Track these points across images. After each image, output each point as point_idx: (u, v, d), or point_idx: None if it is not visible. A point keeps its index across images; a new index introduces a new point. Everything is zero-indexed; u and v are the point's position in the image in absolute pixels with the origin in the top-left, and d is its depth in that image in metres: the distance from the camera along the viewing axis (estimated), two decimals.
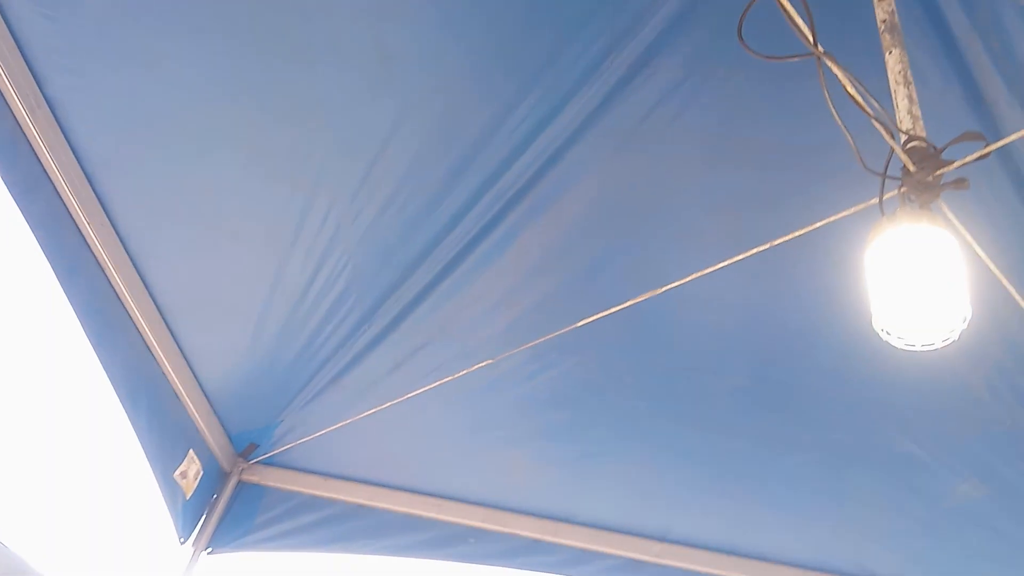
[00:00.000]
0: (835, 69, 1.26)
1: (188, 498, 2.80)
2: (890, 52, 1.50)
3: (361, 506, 3.07)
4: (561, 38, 2.22)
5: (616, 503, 3.02)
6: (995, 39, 2.04)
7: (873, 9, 1.61)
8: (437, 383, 2.64)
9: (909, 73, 1.47)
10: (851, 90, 1.27)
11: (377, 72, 2.11)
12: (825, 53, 1.24)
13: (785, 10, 1.16)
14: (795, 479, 2.72)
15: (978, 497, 2.55)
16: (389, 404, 2.71)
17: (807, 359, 2.46)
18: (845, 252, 1.80)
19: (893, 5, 1.57)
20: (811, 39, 1.21)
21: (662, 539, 2.99)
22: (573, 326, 2.37)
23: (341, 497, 3.08)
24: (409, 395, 2.66)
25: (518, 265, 2.59)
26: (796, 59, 1.29)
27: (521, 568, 3.05)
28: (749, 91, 2.19)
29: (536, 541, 3.01)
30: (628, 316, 2.59)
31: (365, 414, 2.73)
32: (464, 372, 2.57)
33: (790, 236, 1.67)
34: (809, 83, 1.49)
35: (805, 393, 2.54)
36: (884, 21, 1.54)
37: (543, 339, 2.47)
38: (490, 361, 2.57)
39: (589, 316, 2.51)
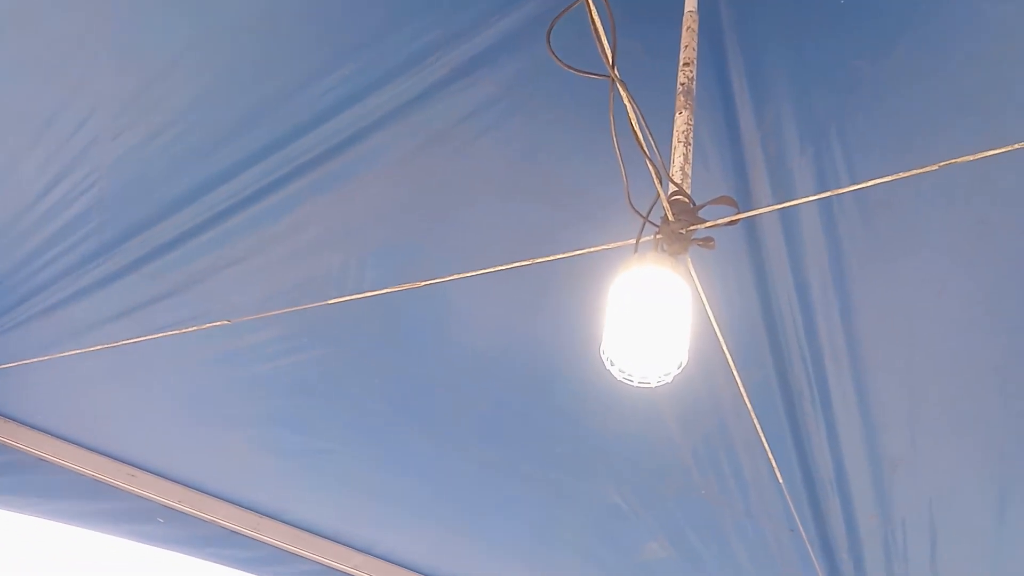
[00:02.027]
0: (625, 99, 1.31)
1: None
2: (680, 112, 1.60)
3: (41, 460, 2.69)
4: (391, 20, 2.16)
5: (329, 506, 2.89)
6: (772, 145, 2.28)
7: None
8: (158, 335, 2.40)
9: (691, 136, 1.58)
10: (635, 124, 1.32)
11: None
12: (621, 80, 1.29)
13: (594, 26, 1.19)
14: (510, 512, 2.77)
15: (663, 557, 2.73)
16: (100, 347, 2.41)
17: (546, 396, 2.52)
18: (602, 298, 1.87)
19: (694, 74, 1.69)
20: (610, 60, 1.25)
21: (366, 551, 2.90)
22: (323, 303, 2.26)
23: (19, 445, 2.68)
24: (125, 341, 2.38)
25: (291, 237, 2.44)
26: (593, 76, 1.33)
27: (209, 559, 2.81)
28: (558, 126, 2.25)
29: (232, 533, 2.79)
30: (390, 317, 2.53)
31: (69, 353, 2.41)
32: (193, 328, 2.35)
33: (547, 259, 1.70)
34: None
35: (537, 428, 2.59)
36: (683, 84, 1.65)
37: (285, 311, 2.33)
38: (226, 323, 2.38)
39: (352, 304, 2.41)
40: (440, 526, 2.91)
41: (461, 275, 1.91)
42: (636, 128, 1.30)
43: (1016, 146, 1.41)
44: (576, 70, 1.34)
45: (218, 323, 2.39)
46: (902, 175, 1.48)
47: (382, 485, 2.82)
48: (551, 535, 2.78)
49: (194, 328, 2.39)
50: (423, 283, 2.01)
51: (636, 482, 2.60)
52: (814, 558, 2.63)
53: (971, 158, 1.42)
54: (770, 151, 2.23)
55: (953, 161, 1.36)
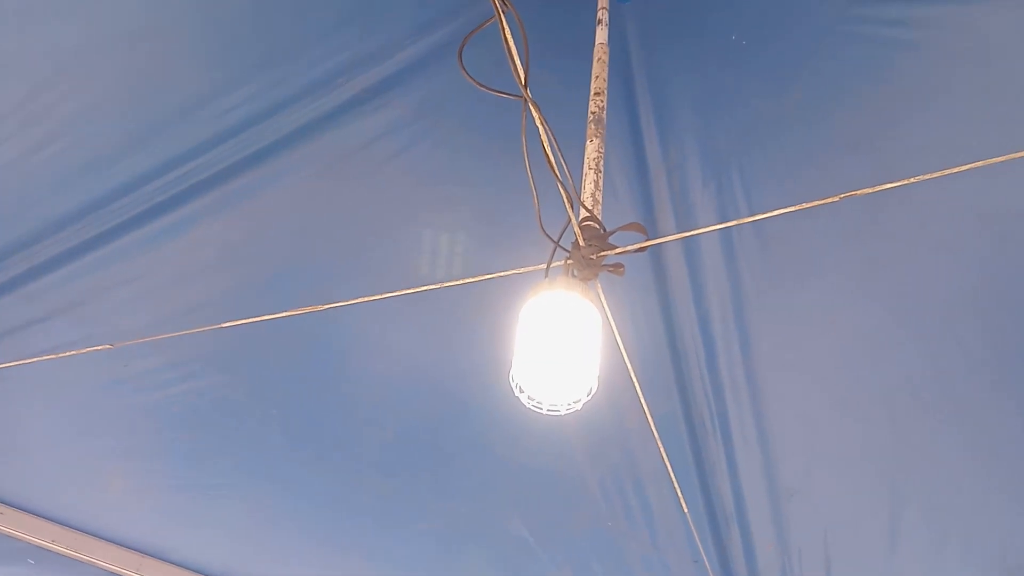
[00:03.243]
0: (537, 120, 1.30)
1: None
2: (591, 140, 1.62)
3: None
4: (300, 38, 2.11)
5: (219, 545, 2.73)
6: (677, 178, 2.34)
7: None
8: (33, 359, 2.22)
9: (602, 164, 1.59)
10: (547, 147, 1.32)
11: None
12: (533, 101, 1.28)
13: (507, 44, 1.18)
14: (411, 547, 2.68)
15: None
16: None
17: (453, 425, 2.47)
18: (513, 324, 1.85)
19: (604, 103, 1.71)
20: (523, 80, 1.24)
21: None
22: (217, 326, 2.15)
23: None
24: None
25: (184, 257, 2.32)
26: (506, 96, 1.32)
27: None
28: (469, 151, 2.24)
29: (112, 575, 2.59)
30: (290, 343, 2.43)
31: None
32: (72, 353, 2.19)
33: (455, 283, 1.67)
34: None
35: (443, 459, 2.53)
36: (593, 113, 1.67)
37: (176, 334, 2.20)
38: (109, 347, 2.23)
39: (249, 330, 2.30)
40: (337, 562, 2.78)
41: (364, 299, 1.85)
42: (548, 151, 1.30)
43: (910, 180, 1.48)
44: (488, 88, 1.32)
45: (100, 347, 2.24)
46: (800, 207, 1.53)
47: (276, 521, 2.68)
48: (457, 569, 2.69)
49: (73, 352, 2.23)
50: (324, 306, 1.94)
51: (543, 514, 2.57)
52: None
53: (869, 191, 1.48)
54: (674, 184, 2.28)
55: (853, 193, 1.41)
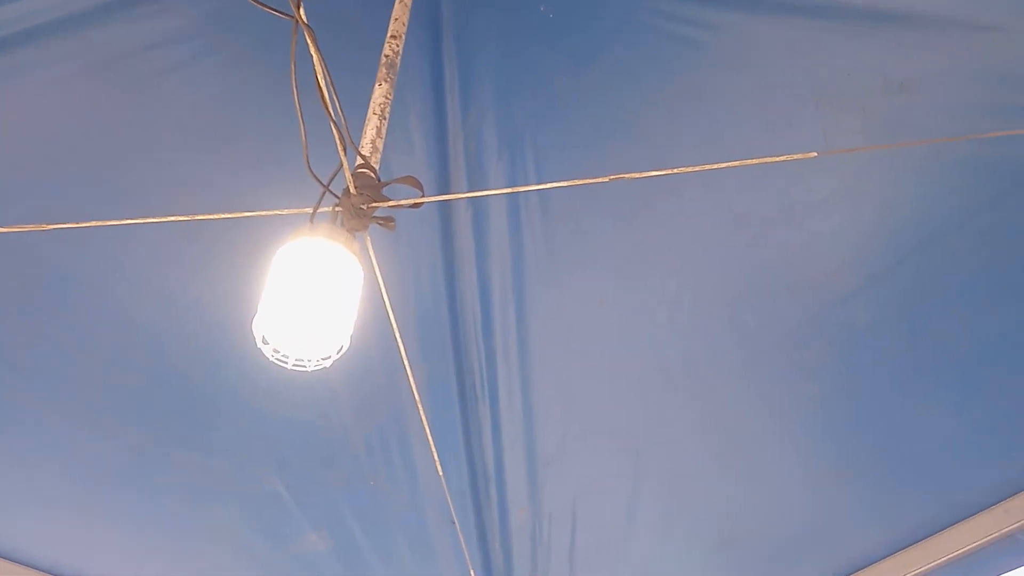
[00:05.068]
0: (312, 48, 1.20)
1: None
2: (380, 84, 1.54)
3: None
4: None
5: None
6: (472, 144, 2.32)
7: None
8: None
9: (388, 111, 1.52)
10: (320, 79, 1.22)
11: None
12: (307, 25, 1.18)
13: None
14: (156, 502, 2.44)
15: (323, 550, 2.62)
16: None
17: (210, 372, 2.29)
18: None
19: (400, 48, 1.63)
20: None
21: None
22: None
23: None
24: None
25: None
26: (276, 13, 1.21)
27: None
28: (257, 73, 2.07)
29: None
30: (29, 266, 2.14)
31: None
32: None
33: (214, 216, 1.53)
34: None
35: (196, 408, 2.34)
36: (387, 56, 1.59)
37: None
38: None
39: None
40: (75, 519, 2.47)
41: (117, 222, 1.64)
42: (321, 84, 1.21)
43: (678, 170, 1.55)
44: (258, 3, 1.19)
45: None
46: (573, 183, 1.55)
47: (5, 473, 2.35)
48: (201, 527, 2.51)
49: None
50: (68, 225, 1.70)
51: (301, 470, 2.47)
52: (465, 550, 2.69)
53: (637, 175, 1.53)
54: (470, 149, 2.26)
55: (621, 176, 1.46)
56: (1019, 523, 2.12)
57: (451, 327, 2.48)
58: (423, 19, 2.07)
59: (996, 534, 2.14)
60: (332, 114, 1.25)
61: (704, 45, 1.96)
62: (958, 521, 2.22)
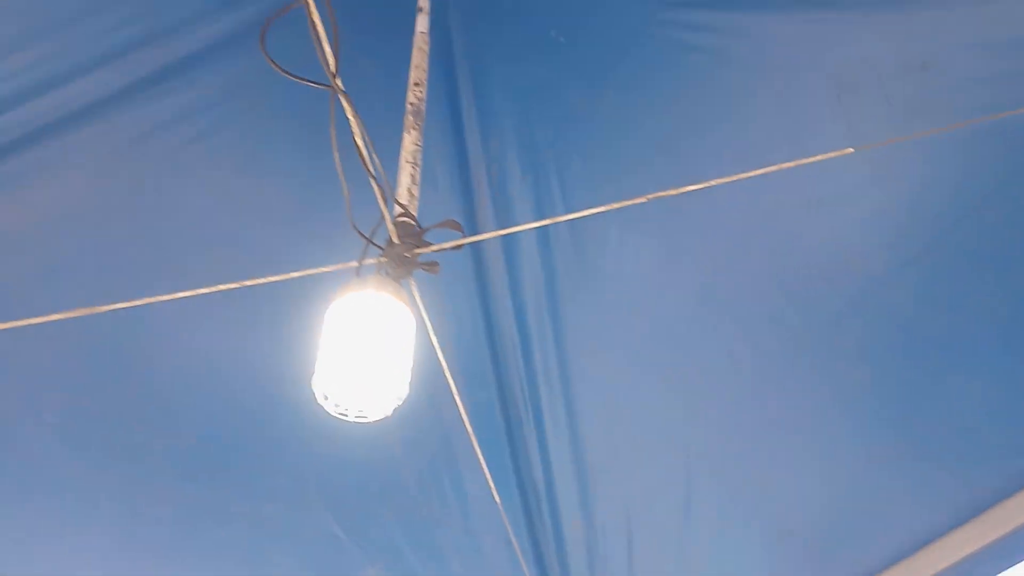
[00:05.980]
0: (349, 112, 1.23)
1: None
2: (409, 132, 1.56)
3: None
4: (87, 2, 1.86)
5: None
6: (495, 170, 2.34)
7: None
8: None
9: (420, 157, 1.54)
10: (359, 140, 1.25)
11: None
12: (343, 91, 1.21)
13: (314, 30, 1.10)
14: (216, 558, 2.49)
15: None
16: None
17: (259, 426, 2.32)
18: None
19: (424, 94, 1.66)
20: (332, 68, 1.17)
21: None
22: None
23: None
24: None
25: None
26: (313, 85, 1.24)
27: None
28: (282, 138, 2.11)
29: None
30: (73, 341, 2.17)
31: None
32: None
33: (259, 280, 1.55)
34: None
35: (249, 462, 2.37)
36: (412, 104, 1.61)
37: None
38: None
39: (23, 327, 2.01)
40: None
41: (167, 297, 1.66)
42: (360, 144, 1.23)
43: (715, 182, 1.55)
44: (294, 76, 1.22)
45: None
46: (610, 207, 1.57)
47: (61, 546, 2.39)
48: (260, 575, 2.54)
49: None
50: (121, 305, 1.72)
51: (356, 509, 2.49)
52: (524, 567, 2.71)
53: (674, 192, 1.55)
54: (494, 176, 2.28)
55: (659, 195, 1.47)
56: None
57: (491, 354, 2.50)
58: (437, 56, 2.10)
59: None
60: (372, 170, 1.28)
61: (718, 50, 1.97)
62: (1019, 490, 2.22)
